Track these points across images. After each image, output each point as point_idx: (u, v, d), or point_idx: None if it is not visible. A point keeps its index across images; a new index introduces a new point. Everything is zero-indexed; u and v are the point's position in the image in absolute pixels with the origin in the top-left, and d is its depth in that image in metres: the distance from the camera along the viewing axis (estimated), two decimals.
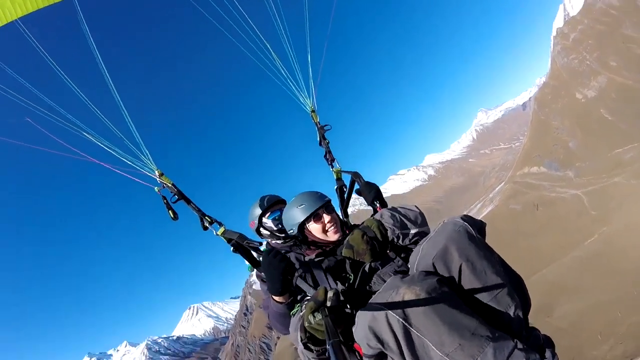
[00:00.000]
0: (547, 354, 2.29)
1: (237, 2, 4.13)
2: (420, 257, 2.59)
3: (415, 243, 3.14)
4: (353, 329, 2.44)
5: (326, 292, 2.46)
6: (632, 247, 63.38)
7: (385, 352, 2.29)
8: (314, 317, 2.39)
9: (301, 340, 2.54)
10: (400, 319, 2.18)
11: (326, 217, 3.56)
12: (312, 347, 2.53)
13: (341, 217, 4.03)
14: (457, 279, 2.44)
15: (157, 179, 3.56)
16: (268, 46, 4.21)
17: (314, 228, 3.57)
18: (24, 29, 3.58)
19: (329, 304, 2.40)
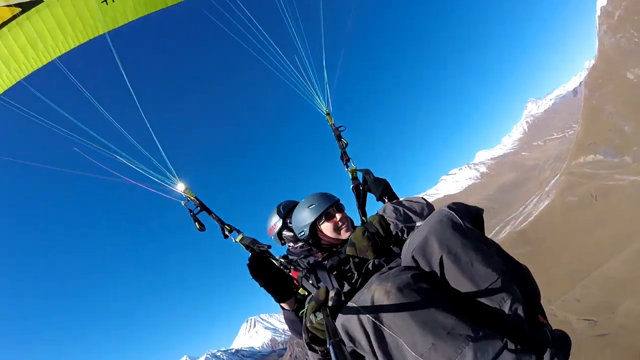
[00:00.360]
0: (546, 354, 2.06)
1: (249, 9, 4.31)
2: (405, 251, 2.49)
3: None
4: None
5: (327, 291, 2.41)
6: None
7: (357, 350, 2.20)
8: (316, 317, 2.37)
9: (304, 340, 2.51)
10: (371, 317, 2.10)
11: (338, 216, 3.60)
12: (316, 347, 2.52)
13: (359, 215, 4.04)
14: (438, 273, 2.28)
15: (183, 194, 3.68)
16: (280, 52, 4.29)
17: (325, 227, 3.59)
18: (60, 64, 3.98)
19: (330, 303, 2.34)
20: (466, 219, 2.39)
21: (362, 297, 2.22)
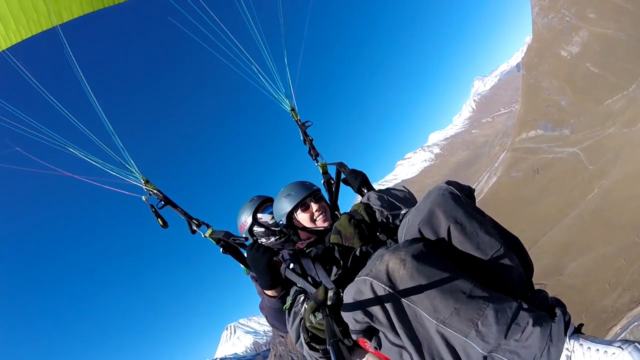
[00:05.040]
0: (558, 312, 2.06)
1: (207, 6, 4.05)
2: (407, 228, 2.44)
3: None
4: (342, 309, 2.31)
5: (326, 291, 2.42)
6: (631, 197, 66.01)
7: (374, 325, 2.16)
8: (315, 316, 2.36)
9: (305, 340, 2.51)
10: (387, 287, 2.04)
11: (314, 206, 3.50)
12: (316, 346, 2.49)
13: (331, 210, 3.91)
14: (446, 243, 2.28)
15: (143, 187, 3.46)
16: (242, 49, 4.05)
17: (302, 217, 3.50)
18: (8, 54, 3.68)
19: (329, 303, 2.35)
20: (463, 194, 2.39)
21: (375, 269, 2.09)
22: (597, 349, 1.83)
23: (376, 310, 2.07)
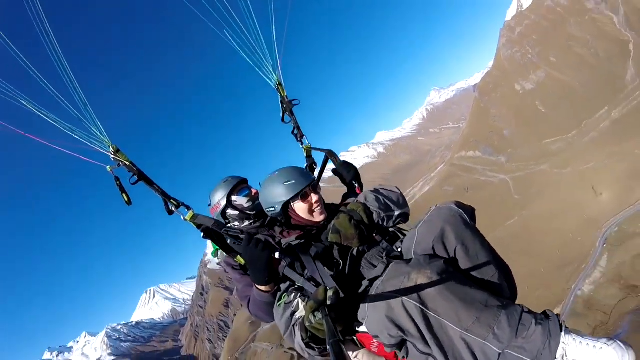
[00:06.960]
0: (550, 313, 2.28)
1: None
2: (417, 242, 2.60)
3: (398, 224, 3.20)
4: (363, 320, 2.42)
5: (326, 291, 2.38)
6: (544, 232, 73.01)
7: (407, 339, 2.30)
8: (315, 316, 2.33)
9: (303, 340, 2.53)
10: (418, 304, 2.21)
11: (314, 197, 3.29)
12: (315, 345, 2.53)
13: None
14: (453, 261, 2.49)
15: (111, 156, 3.04)
16: (235, 16, 3.61)
17: (299, 208, 3.27)
18: None
19: (329, 302, 2.31)
20: (470, 217, 2.61)
21: (403, 286, 2.26)
22: (587, 343, 2.08)
23: (408, 325, 2.24)
